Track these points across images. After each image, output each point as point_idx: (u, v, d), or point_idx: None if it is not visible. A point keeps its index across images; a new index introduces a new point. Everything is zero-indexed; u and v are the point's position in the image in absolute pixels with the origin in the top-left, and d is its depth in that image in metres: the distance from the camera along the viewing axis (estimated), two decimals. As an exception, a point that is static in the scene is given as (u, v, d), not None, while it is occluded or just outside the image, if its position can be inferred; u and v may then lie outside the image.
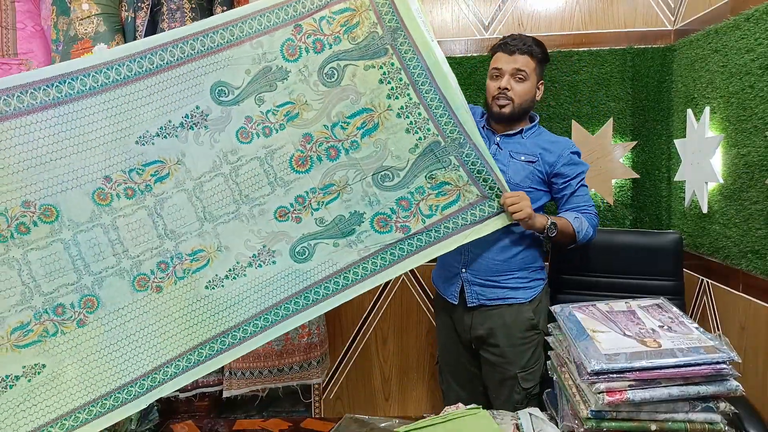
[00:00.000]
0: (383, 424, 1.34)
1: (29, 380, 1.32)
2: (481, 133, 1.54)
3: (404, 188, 1.49)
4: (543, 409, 1.40)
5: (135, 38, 2.17)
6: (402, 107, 1.48)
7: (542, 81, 1.79)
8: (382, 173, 1.48)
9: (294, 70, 1.46)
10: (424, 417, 1.34)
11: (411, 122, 1.48)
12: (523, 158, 1.73)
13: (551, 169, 1.73)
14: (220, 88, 1.43)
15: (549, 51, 2.24)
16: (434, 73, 1.47)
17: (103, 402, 1.34)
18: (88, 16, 2.14)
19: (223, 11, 2.17)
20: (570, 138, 2.25)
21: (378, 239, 1.48)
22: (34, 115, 1.31)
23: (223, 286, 1.42)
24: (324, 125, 1.47)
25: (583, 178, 1.76)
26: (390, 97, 1.48)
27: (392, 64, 1.47)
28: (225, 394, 2.22)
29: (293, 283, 1.44)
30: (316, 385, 2.48)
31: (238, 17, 1.44)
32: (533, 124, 1.81)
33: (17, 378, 1.31)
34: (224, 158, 1.43)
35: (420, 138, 1.48)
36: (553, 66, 2.29)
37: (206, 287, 1.42)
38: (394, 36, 1.47)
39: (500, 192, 1.52)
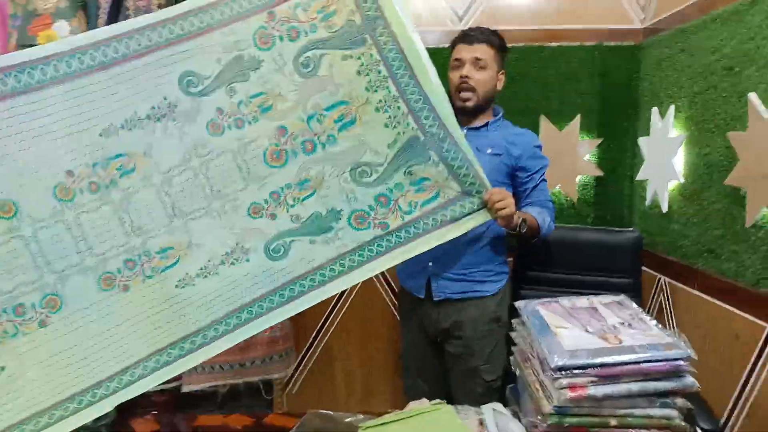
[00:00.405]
0: (347, 420, 1.32)
1: None
2: None
3: (383, 184, 1.44)
4: (506, 404, 1.41)
5: (98, 16, 2.08)
6: (381, 101, 1.42)
7: (503, 71, 1.81)
8: (360, 169, 1.43)
9: (268, 59, 1.39)
10: (388, 413, 1.33)
11: (390, 116, 1.43)
12: (489, 151, 1.73)
13: (516, 163, 1.74)
14: (188, 78, 1.36)
15: (521, 45, 2.27)
16: (414, 66, 1.42)
17: (66, 405, 1.27)
18: (49, -9, 2.04)
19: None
20: (537, 133, 2.27)
21: (356, 236, 1.43)
22: None
23: (194, 284, 1.36)
24: (300, 118, 1.41)
25: (544, 173, 1.79)
26: (368, 90, 1.42)
27: (371, 56, 1.41)
28: (184, 389, 2.16)
29: (268, 280, 1.38)
30: (279, 380, 2.45)
31: (207, 3, 1.37)
32: (498, 117, 1.82)
33: None
34: (194, 151, 1.36)
35: (399, 133, 1.43)
36: (524, 60, 2.30)
37: (176, 286, 1.35)
38: (373, 26, 1.41)
39: (481, 188, 1.49)
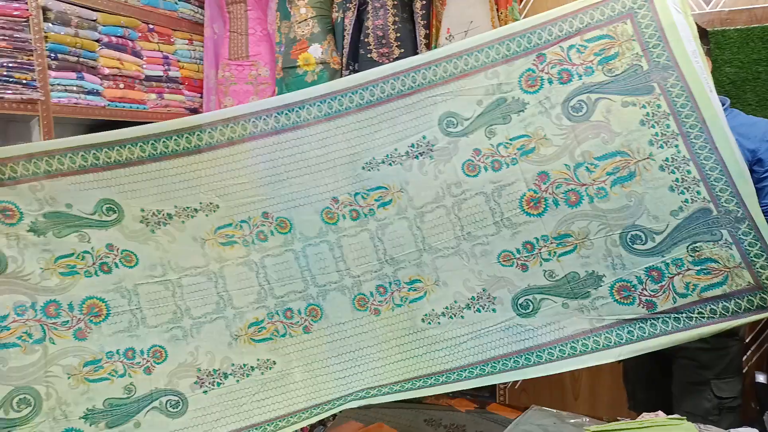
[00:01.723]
0: (572, 421, 1.29)
1: (262, 373, 1.44)
2: None
3: (658, 256, 1.27)
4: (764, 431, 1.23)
5: (343, 37, 2.36)
6: (667, 159, 1.26)
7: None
8: (634, 233, 1.28)
9: (533, 101, 1.35)
10: (617, 420, 1.27)
11: (677, 179, 1.26)
12: None
13: (753, 156, 1.52)
14: (449, 119, 1.40)
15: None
16: (711, 129, 1.25)
17: (323, 407, 1.41)
18: (305, 19, 2.39)
19: (422, 5, 2.25)
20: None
21: (615, 310, 1.29)
22: (277, 136, 1.44)
23: (439, 323, 1.40)
24: (565, 164, 1.32)
25: None
26: (653, 144, 1.28)
27: (658, 106, 1.27)
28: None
29: (514, 338, 1.34)
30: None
31: (474, 46, 1.38)
32: (724, 107, 1.60)
33: (252, 369, 1.45)
34: (447, 190, 1.40)
35: (686, 201, 1.26)
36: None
37: (422, 320, 1.41)
38: (663, 75, 1.28)
39: None
